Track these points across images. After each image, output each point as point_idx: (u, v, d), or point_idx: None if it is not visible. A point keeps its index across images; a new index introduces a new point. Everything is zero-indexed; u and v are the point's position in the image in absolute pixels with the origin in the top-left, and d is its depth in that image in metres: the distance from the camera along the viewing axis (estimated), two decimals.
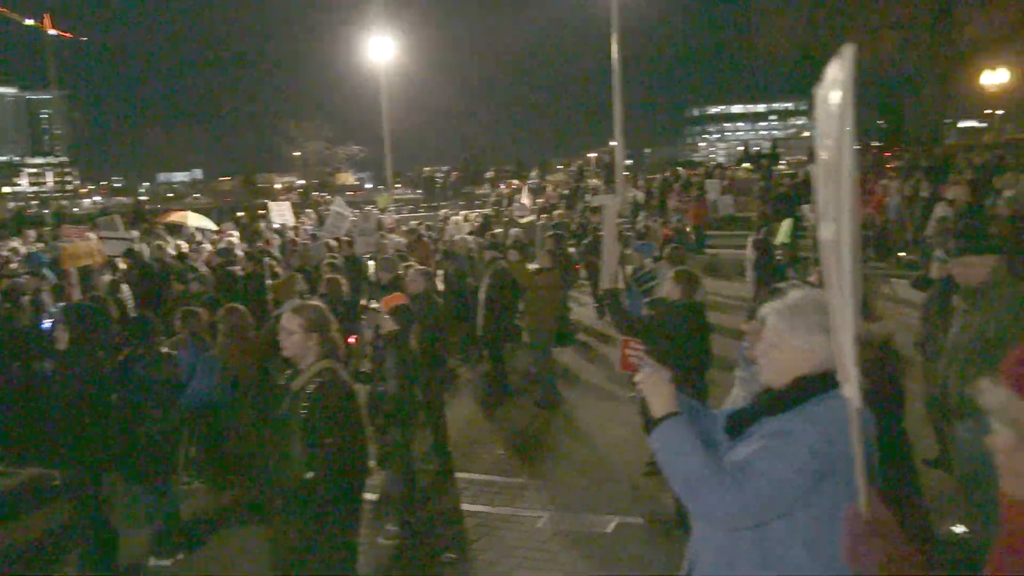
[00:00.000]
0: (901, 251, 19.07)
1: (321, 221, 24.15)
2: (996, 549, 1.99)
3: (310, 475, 4.89)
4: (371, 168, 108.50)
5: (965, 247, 5.59)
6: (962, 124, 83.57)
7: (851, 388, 2.20)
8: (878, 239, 19.16)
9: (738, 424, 3.10)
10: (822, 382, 2.86)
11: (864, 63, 37.51)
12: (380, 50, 38.76)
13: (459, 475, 8.87)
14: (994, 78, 37.03)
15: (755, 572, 2.92)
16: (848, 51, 2.13)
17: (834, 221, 2.18)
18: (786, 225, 17.85)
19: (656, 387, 3.02)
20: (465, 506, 8.20)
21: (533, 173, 48.30)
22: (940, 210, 15.65)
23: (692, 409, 3.24)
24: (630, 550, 6.94)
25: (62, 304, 10.75)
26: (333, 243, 17.88)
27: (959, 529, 6.33)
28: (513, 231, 18.17)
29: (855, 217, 2.13)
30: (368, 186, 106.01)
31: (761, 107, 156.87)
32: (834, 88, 2.19)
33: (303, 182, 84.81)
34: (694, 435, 2.91)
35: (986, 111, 58.16)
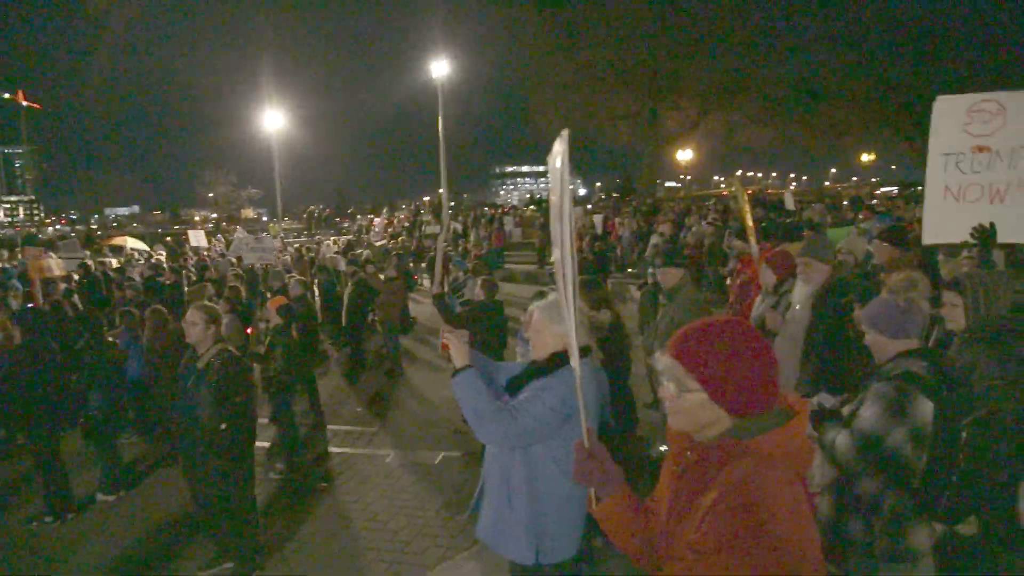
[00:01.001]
0: (631, 267, 19.71)
1: (228, 245, 23.10)
2: (664, 466, 2.02)
3: (223, 426, 4.79)
4: (267, 205, 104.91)
5: (665, 262, 5.78)
6: (667, 184, 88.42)
7: (574, 360, 2.22)
8: (618, 259, 19.87)
9: (515, 385, 3.16)
10: (567, 356, 2.92)
11: (606, 141, 39.19)
12: (272, 118, 37.30)
13: (329, 427, 8.54)
14: (684, 155, 39.18)
15: (524, 481, 3.02)
16: (565, 132, 2.19)
17: (559, 247, 2.19)
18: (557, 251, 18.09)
19: (456, 347, 3.07)
20: (333, 449, 7.91)
21: (384, 210, 47.64)
22: (654, 239, 16.26)
23: (487, 365, 3.34)
24: (451, 476, 6.86)
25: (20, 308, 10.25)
26: (234, 259, 17.13)
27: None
28: (366, 252, 17.95)
29: (572, 244, 2.15)
30: (264, 219, 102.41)
31: (541, 168, 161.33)
32: (558, 156, 2.22)
33: (215, 215, 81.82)
34: (482, 382, 2.98)
35: (680, 175, 61.65)
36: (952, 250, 5.71)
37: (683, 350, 1.82)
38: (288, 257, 19.49)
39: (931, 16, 40.80)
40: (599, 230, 20.66)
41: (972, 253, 4.71)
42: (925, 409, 2.85)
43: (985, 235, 4.28)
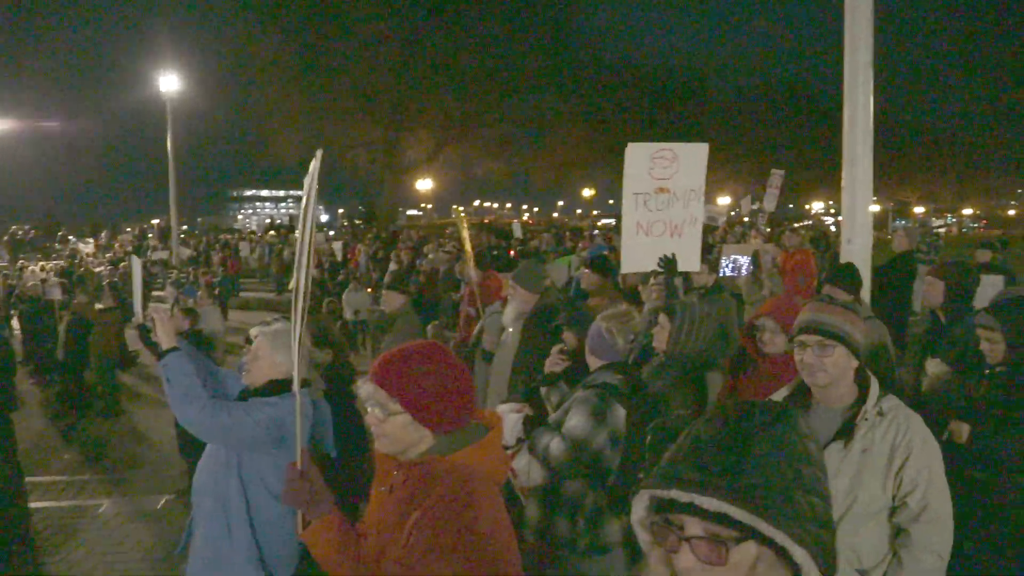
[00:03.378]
0: (370, 288, 19.59)
1: None
2: (373, 488, 2.05)
3: None
4: None
5: (389, 287, 6.07)
6: (410, 212, 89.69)
7: (296, 386, 2.25)
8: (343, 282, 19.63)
9: None
10: (286, 385, 2.90)
11: (347, 168, 38.80)
12: None
13: (29, 479, 7.37)
14: (424, 184, 40.04)
15: (243, 509, 2.92)
16: (319, 152, 2.23)
17: (298, 271, 2.20)
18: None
19: (163, 328, 2.97)
20: (34, 504, 6.86)
21: (103, 233, 42.51)
22: (392, 266, 16.35)
23: (211, 368, 3.27)
24: (177, 520, 6.30)
25: None
26: None
27: None
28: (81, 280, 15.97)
29: (309, 270, 2.18)
30: None
31: (281, 192, 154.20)
32: (311, 177, 2.24)
33: None
34: (192, 366, 2.89)
35: (422, 204, 62.89)
36: (645, 278, 6.50)
37: (384, 375, 1.90)
38: None
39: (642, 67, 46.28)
40: (339, 257, 20.39)
41: (658, 280, 5.37)
42: (620, 414, 3.19)
43: (669, 265, 4.98)
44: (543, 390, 3.71)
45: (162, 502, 6.72)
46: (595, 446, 3.14)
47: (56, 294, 14.21)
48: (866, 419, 2.32)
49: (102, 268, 23.80)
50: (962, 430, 3.38)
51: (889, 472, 2.30)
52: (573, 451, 3.11)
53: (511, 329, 5.00)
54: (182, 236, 32.78)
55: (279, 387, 2.94)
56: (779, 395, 2.61)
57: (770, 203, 9.98)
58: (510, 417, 3.47)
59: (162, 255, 26.47)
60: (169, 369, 2.85)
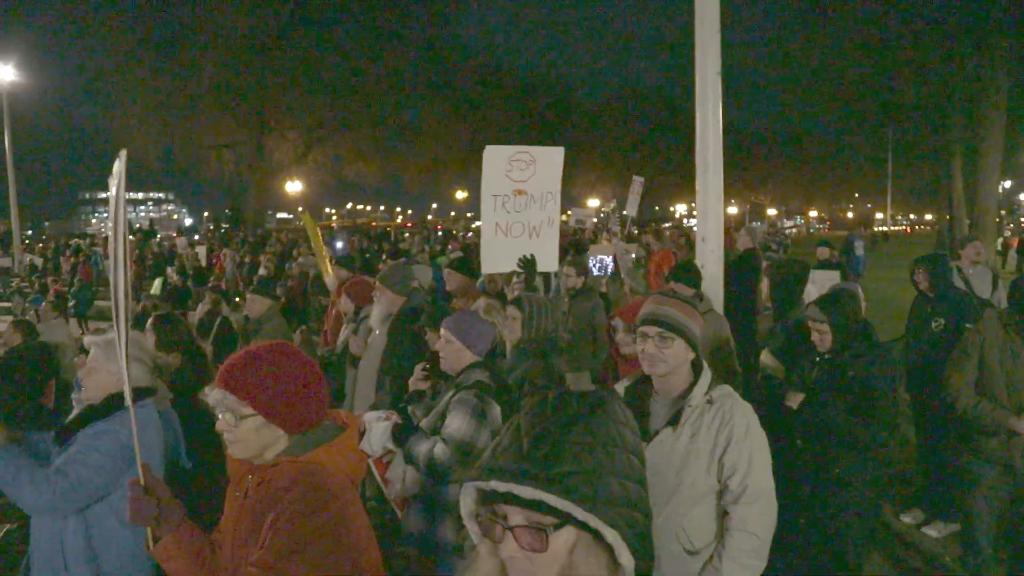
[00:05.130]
0: (238, 296, 18.82)
1: None
2: (227, 495, 2.00)
3: None
4: None
5: (255, 291, 5.87)
6: (280, 215, 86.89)
7: (128, 398, 2.15)
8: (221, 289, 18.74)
9: (65, 433, 2.79)
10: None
11: (210, 170, 36.97)
12: None
13: None
14: (293, 186, 38.78)
15: (81, 542, 2.66)
16: (123, 153, 2.13)
17: (111, 274, 2.09)
18: (157, 282, 16.45)
19: None
20: None
21: None
22: (262, 271, 15.73)
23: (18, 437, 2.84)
24: (15, 551, 5.74)
25: None
26: None
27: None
28: None
29: (126, 274, 2.08)
30: None
31: (140, 195, 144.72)
32: (115, 178, 2.13)
33: None
34: (12, 445, 2.60)
35: (292, 207, 60.92)
36: (507, 279, 6.57)
37: (232, 379, 1.85)
38: None
39: (511, 73, 46.89)
40: (203, 262, 19.41)
41: (520, 280, 5.45)
42: (497, 412, 3.21)
43: (528, 265, 5.08)
44: (408, 408, 3.67)
45: (2, 532, 6.13)
46: (479, 446, 3.12)
47: None
48: (690, 406, 2.45)
49: None
50: (796, 399, 3.73)
51: (713, 456, 2.42)
52: (458, 453, 3.08)
53: (378, 331, 4.94)
54: (26, 242, 30.09)
55: (117, 400, 2.75)
56: (621, 385, 2.71)
57: (632, 208, 10.41)
58: (378, 426, 3.39)
59: (3, 262, 24.23)
60: None
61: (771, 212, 68.78)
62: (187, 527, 2.01)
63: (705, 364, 2.54)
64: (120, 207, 2.10)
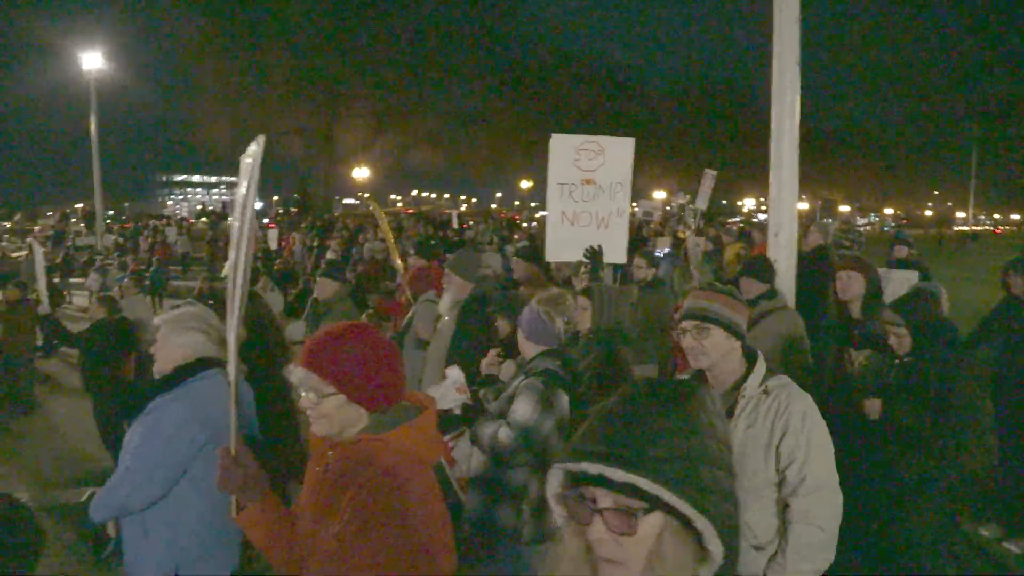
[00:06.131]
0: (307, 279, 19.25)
1: None
2: (308, 470, 2.05)
3: None
4: None
5: (323, 274, 6.02)
6: (346, 200, 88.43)
7: (232, 374, 2.18)
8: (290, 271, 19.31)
9: (136, 402, 2.93)
10: (191, 368, 2.88)
11: (282, 159, 38.03)
12: None
13: None
14: (360, 173, 39.47)
15: (159, 513, 2.77)
16: (261, 138, 2.20)
17: (235, 251, 2.13)
18: (228, 264, 16.96)
19: None
20: None
21: (17, 216, 40.51)
22: (330, 254, 16.09)
23: None
24: None
25: None
26: None
27: None
28: None
29: (250, 250, 2.12)
30: None
31: (213, 179, 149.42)
32: (249, 158, 2.18)
33: None
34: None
35: (358, 193, 61.92)
36: (576, 268, 6.56)
37: (314, 358, 1.90)
38: None
39: (580, 61, 46.56)
40: (273, 245, 19.97)
41: (587, 270, 5.43)
42: (564, 401, 3.22)
43: (595, 255, 5.05)
44: (480, 391, 3.72)
45: (86, 495, 6.45)
46: (543, 432, 3.14)
47: None
48: (744, 396, 2.41)
49: (20, 254, 22.70)
50: (875, 406, 3.61)
51: (770, 446, 2.38)
52: (521, 438, 3.11)
53: (447, 317, 5.00)
54: (107, 222, 31.54)
55: (185, 371, 2.87)
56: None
57: (702, 202, 10.23)
58: (453, 372, 3.62)
59: (88, 241, 25.44)
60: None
61: (843, 209, 66.64)
62: (270, 498, 2.09)
63: (760, 354, 2.50)
64: (252, 190, 2.16)
